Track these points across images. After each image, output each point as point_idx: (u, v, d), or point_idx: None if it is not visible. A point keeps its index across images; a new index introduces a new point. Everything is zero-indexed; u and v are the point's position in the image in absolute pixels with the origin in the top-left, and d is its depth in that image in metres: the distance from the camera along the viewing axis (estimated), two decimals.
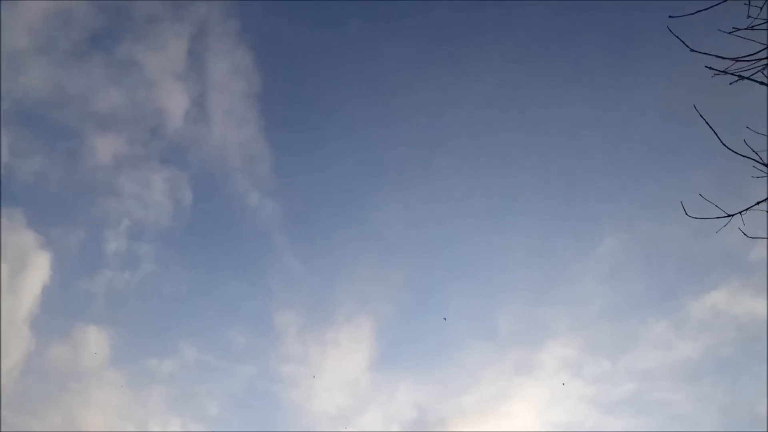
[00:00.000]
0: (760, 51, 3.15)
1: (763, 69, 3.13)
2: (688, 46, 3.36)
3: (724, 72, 3.30)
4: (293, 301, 19.28)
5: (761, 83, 3.17)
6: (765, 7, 3.08)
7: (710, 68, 3.26)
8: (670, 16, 3.44)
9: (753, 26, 3.14)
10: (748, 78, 3.19)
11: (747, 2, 3.16)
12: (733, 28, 3.21)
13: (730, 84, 3.28)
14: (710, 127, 3.26)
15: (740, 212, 3.43)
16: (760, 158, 3.21)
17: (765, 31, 3.11)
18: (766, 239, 3.46)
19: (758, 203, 3.36)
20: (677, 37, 3.36)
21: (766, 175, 3.22)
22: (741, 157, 3.23)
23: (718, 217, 3.47)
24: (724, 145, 3.25)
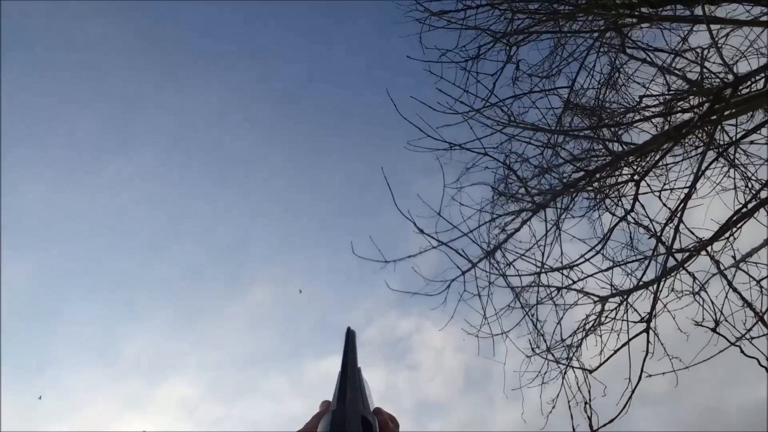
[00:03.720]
0: None
1: None
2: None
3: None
4: None
5: None
6: None
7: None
8: None
9: None
10: None
11: None
12: None
13: None
14: (389, 188, 4.14)
15: (395, 260, 4.55)
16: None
17: None
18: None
19: (409, 256, 4.53)
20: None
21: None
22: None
23: (378, 261, 4.46)
24: (397, 207, 4.19)
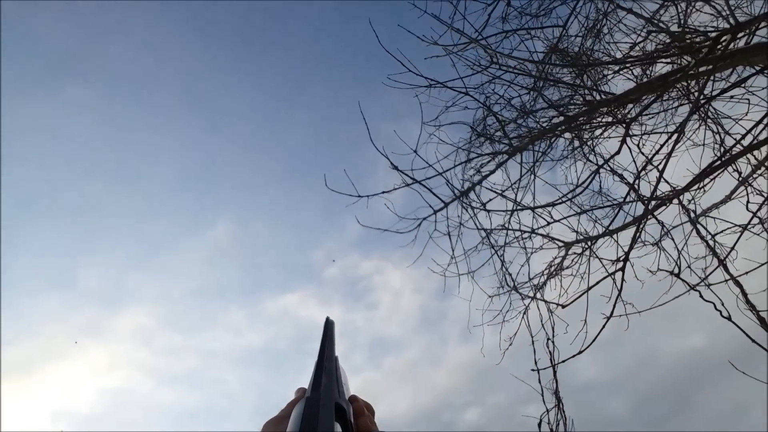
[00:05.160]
0: None
1: None
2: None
3: None
4: None
5: None
6: None
7: None
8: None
9: None
10: None
11: None
12: None
13: None
14: (365, 123, 4.07)
15: (368, 196, 4.47)
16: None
17: None
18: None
19: (384, 192, 4.46)
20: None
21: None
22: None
23: (351, 195, 4.40)
24: (372, 143, 4.11)
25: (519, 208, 4.17)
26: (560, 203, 4.06)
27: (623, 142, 3.52)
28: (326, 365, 0.83)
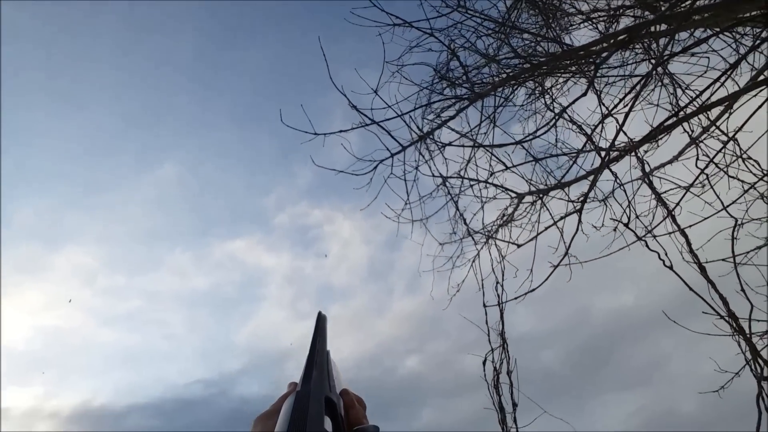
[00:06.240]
0: None
1: None
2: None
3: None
4: None
5: None
6: None
7: None
8: None
9: None
10: None
11: None
12: None
13: None
14: (325, 59, 3.86)
15: (324, 134, 4.30)
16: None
17: None
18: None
19: (341, 131, 4.33)
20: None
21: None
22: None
23: (307, 132, 4.20)
24: (332, 80, 3.96)
25: (477, 145, 4.15)
26: (520, 143, 4.06)
27: (590, 84, 3.54)
28: (317, 359, 0.83)
